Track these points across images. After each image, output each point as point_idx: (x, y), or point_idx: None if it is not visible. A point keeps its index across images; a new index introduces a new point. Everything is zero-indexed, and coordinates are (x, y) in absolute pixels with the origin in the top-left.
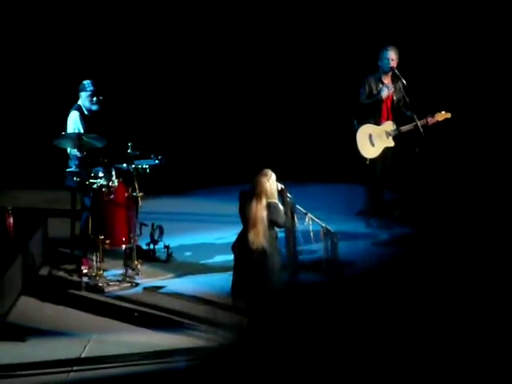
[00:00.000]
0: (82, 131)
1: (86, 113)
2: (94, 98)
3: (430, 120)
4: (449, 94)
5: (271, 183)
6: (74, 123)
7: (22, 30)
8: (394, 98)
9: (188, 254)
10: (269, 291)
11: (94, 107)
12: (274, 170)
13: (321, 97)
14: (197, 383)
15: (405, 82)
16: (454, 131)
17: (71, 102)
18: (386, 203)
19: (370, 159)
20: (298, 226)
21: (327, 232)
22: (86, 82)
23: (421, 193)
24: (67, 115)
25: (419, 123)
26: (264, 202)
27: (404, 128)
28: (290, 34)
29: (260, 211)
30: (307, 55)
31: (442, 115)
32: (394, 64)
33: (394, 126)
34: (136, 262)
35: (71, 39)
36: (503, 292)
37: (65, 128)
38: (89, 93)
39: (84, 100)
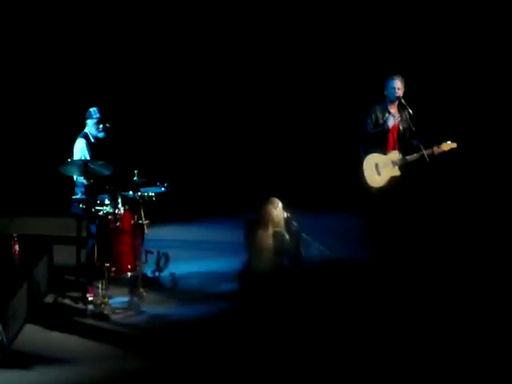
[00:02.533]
0: (88, 159)
1: (92, 140)
2: (101, 126)
3: (436, 150)
4: (455, 123)
5: (278, 211)
6: (80, 151)
7: (28, 55)
8: (400, 127)
9: (193, 282)
10: (273, 318)
11: (101, 134)
12: (280, 199)
13: (327, 126)
14: None
15: (411, 111)
16: (460, 161)
17: (78, 129)
18: (392, 233)
19: (376, 189)
20: (304, 254)
21: (332, 260)
22: (93, 110)
23: (427, 222)
24: (73, 142)
25: (425, 153)
26: (270, 230)
27: (410, 157)
28: (296, 65)
29: (266, 239)
30: (315, 84)
31: (448, 145)
32: (400, 93)
33: (400, 156)
34: (141, 290)
35: (78, 66)
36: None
37: (71, 155)
38: (95, 120)
39: (90, 127)
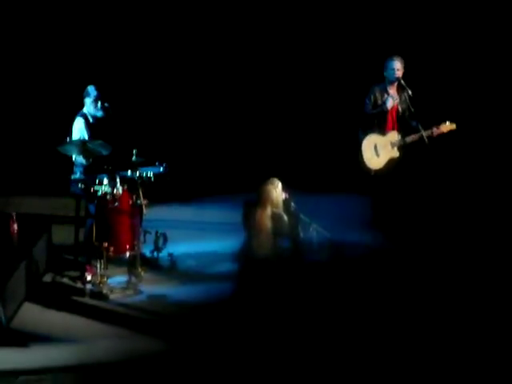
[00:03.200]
0: (86, 138)
1: (90, 120)
2: (99, 104)
3: (435, 131)
4: (454, 104)
5: (277, 192)
6: (78, 130)
7: (27, 35)
8: (399, 108)
9: (191, 262)
10: (272, 299)
11: (99, 113)
12: (279, 180)
13: (326, 107)
14: None
15: (410, 92)
16: (459, 142)
17: (77, 108)
18: (391, 214)
19: (375, 170)
20: (303, 235)
21: (331, 243)
22: (90, 88)
23: (426, 204)
24: (72, 122)
25: (424, 134)
26: (269, 210)
27: (409, 138)
28: (296, 47)
29: (265, 220)
30: (314, 65)
31: (447, 126)
32: (399, 74)
33: (399, 137)
34: (140, 270)
35: (77, 45)
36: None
37: (70, 135)
38: (93, 98)
39: (89, 106)
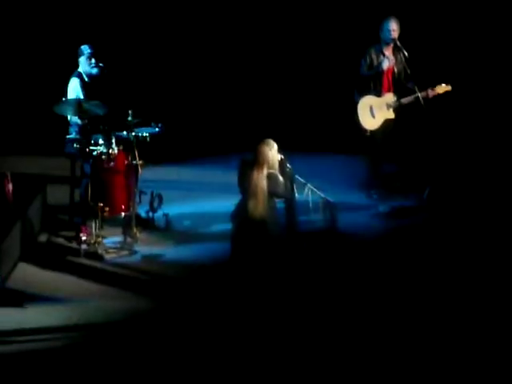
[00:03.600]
0: (82, 97)
1: (86, 79)
2: (93, 61)
3: (431, 92)
4: (450, 66)
5: (273, 153)
6: (74, 90)
7: None
8: (395, 69)
9: (187, 222)
10: (267, 260)
11: (94, 71)
12: (274, 140)
13: (322, 67)
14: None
15: (406, 53)
16: (454, 103)
17: (72, 68)
18: (386, 175)
19: (371, 131)
20: (298, 196)
21: (326, 202)
22: (83, 46)
23: (421, 165)
24: (68, 82)
25: (420, 95)
26: (265, 171)
27: (405, 100)
28: (292, 8)
29: (261, 181)
30: (310, 25)
31: (443, 88)
32: (395, 35)
33: (395, 98)
34: (135, 230)
35: (73, 5)
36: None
37: (65, 95)
38: (87, 55)
39: (83, 65)
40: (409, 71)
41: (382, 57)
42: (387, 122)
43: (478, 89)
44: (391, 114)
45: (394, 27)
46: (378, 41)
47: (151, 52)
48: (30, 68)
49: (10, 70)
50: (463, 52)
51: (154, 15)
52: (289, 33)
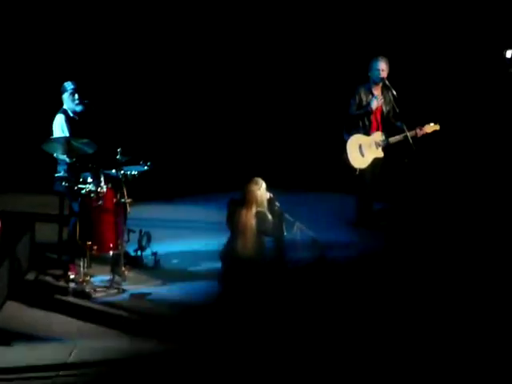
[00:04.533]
0: (67, 134)
1: (71, 115)
2: (76, 96)
3: (419, 132)
4: (438, 105)
5: (262, 192)
6: (59, 126)
7: (10, 35)
8: (384, 108)
9: (175, 261)
10: (255, 298)
11: (78, 108)
12: (263, 179)
13: (311, 107)
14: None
15: (395, 92)
16: (442, 142)
17: (58, 106)
18: (374, 213)
19: (360, 169)
20: (287, 234)
21: (315, 241)
22: (66, 83)
23: (409, 203)
24: (53, 119)
25: (409, 134)
26: (254, 210)
27: (393, 139)
28: (281, 47)
29: (249, 219)
30: (299, 65)
31: (431, 127)
32: (384, 74)
33: (383, 137)
34: (123, 269)
35: (59, 44)
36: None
37: (51, 132)
38: (70, 91)
39: (67, 101)
40: (397, 110)
41: (370, 96)
42: (376, 160)
43: (466, 128)
44: (380, 153)
45: (382, 67)
46: (366, 80)
47: (140, 91)
48: (17, 106)
49: None
50: (451, 91)
51: (142, 54)
52: (277, 72)
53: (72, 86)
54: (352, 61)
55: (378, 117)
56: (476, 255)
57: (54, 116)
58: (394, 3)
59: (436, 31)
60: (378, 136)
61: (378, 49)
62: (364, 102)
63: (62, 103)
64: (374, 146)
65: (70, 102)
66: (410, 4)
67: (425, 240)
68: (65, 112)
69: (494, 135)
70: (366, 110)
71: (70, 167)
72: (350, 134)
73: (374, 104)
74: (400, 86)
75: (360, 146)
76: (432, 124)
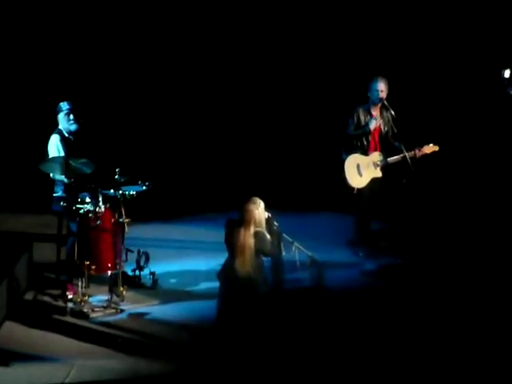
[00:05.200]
0: (62, 154)
1: (66, 135)
2: (71, 117)
3: (418, 152)
4: (437, 126)
5: (260, 211)
6: (54, 147)
7: (5, 53)
8: (382, 129)
9: (174, 280)
10: (254, 319)
11: (73, 127)
12: (261, 199)
13: (309, 127)
14: None
15: (393, 113)
16: (441, 163)
17: (54, 126)
18: (373, 233)
19: (358, 189)
20: (285, 254)
21: (313, 261)
22: (62, 103)
23: (408, 223)
24: (48, 140)
25: (408, 155)
26: (252, 230)
27: (391, 159)
28: (281, 66)
29: (248, 239)
30: (297, 86)
31: (430, 148)
32: (383, 95)
33: (381, 157)
34: (121, 289)
35: (54, 63)
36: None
37: (46, 153)
38: (65, 111)
39: (62, 121)
40: (396, 130)
41: (369, 116)
42: (374, 180)
43: (465, 148)
44: (378, 173)
45: (382, 88)
46: (365, 100)
47: (139, 111)
48: (15, 126)
49: None
50: (450, 111)
51: (138, 72)
52: (275, 92)
53: (68, 107)
54: (350, 81)
55: (376, 137)
56: (475, 270)
57: (50, 135)
58: (393, 23)
59: (434, 52)
60: (376, 156)
61: (377, 69)
62: (362, 122)
63: (57, 124)
64: (372, 166)
65: (65, 122)
66: (408, 25)
67: (425, 259)
68: (60, 132)
69: (492, 155)
70: (364, 131)
71: (68, 187)
72: (348, 153)
73: (373, 125)
74: (399, 106)
75: (358, 166)
76: (431, 145)
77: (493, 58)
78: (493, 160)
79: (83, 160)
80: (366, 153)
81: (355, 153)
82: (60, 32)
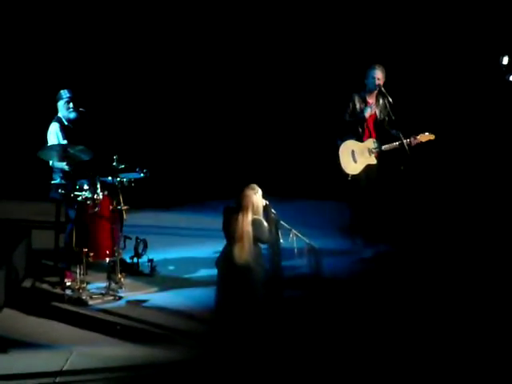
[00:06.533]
0: (62, 142)
1: (65, 123)
2: (71, 105)
3: (413, 141)
4: (434, 113)
5: (258, 197)
6: (54, 134)
7: (5, 42)
8: (378, 116)
9: (172, 268)
10: (252, 306)
11: (72, 115)
12: (259, 187)
13: (304, 113)
14: None
15: (391, 100)
16: (439, 150)
17: (53, 114)
18: (371, 221)
19: (353, 175)
20: (283, 242)
21: (311, 248)
22: (62, 91)
23: (406, 211)
24: (47, 128)
25: (405, 142)
26: (250, 216)
27: (386, 146)
28: (276, 54)
29: (246, 226)
30: (294, 73)
31: (426, 136)
32: (379, 83)
33: (376, 144)
34: (119, 276)
35: (55, 51)
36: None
37: (46, 141)
38: (65, 99)
39: (61, 109)
40: (393, 118)
41: (364, 105)
42: (369, 167)
43: (462, 136)
44: (373, 160)
45: (378, 75)
46: (362, 87)
47: (138, 98)
48: (13, 114)
49: None
50: (447, 99)
51: (139, 59)
52: (272, 81)
53: (68, 95)
54: (346, 68)
55: (371, 124)
56: (473, 256)
57: (50, 123)
58: (391, 10)
59: (432, 38)
60: (370, 143)
61: (375, 56)
62: (358, 110)
63: (56, 111)
64: (366, 153)
65: (64, 110)
66: (406, 12)
67: (422, 246)
68: (59, 120)
69: (491, 142)
70: (359, 118)
71: (66, 174)
72: (343, 140)
73: (368, 112)
74: (396, 93)
75: (353, 152)
76: (427, 133)
77: (491, 44)
78: (491, 148)
79: (81, 147)
80: (360, 140)
81: (350, 139)
82: (61, 20)
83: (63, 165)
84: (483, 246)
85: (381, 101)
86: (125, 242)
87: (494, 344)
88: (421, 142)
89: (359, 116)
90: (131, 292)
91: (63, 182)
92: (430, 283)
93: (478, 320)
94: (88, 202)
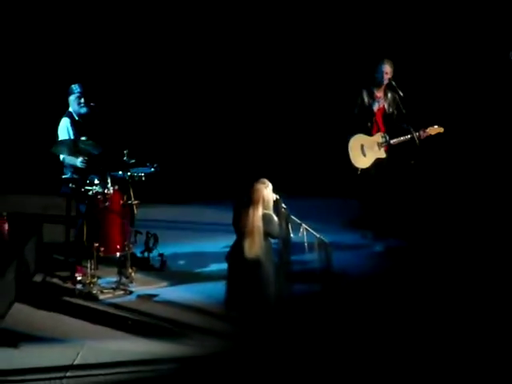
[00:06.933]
0: (72, 137)
1: (76, 118)
2: (82, 100)
3: (423, 134)
4: (443, 107)
5: (268, 191)
6: (64, 129)
7: (16, 36)
8: (387, 110)
9: (182, 262)
10: (262, 301)
11: (83, 110)
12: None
13: (314, 109)
14: None
15: (401, 93)
16: (449, 143)
17: (65, 109)
18: (381, 215)
19: (362, 169)
20: (293, 236)
21: (322, 243)
22: (74, 86)
23: (417, 205)
24: (59, 123)
25: (415, 135)
26: (260, 210)
27: (395, 140)
28: (283, 49)
29: (256, 221)
30: (302, 68)
31: (435, 129)
32: (387, 77)
33: (384, 138)
34: (130, 270)
35: (66, 46)
36: (497, 305)
37: (56, 136)
38: (76, 95)
39: (72, 104)
40: (404, 111)
41: (373, 98)
42: (379, 161)
43: (471, 130)
44: (382, 154)
45: (387, 70)
46: (371, 81)
47: (148, 93)
48: (24, 108)
49: (5, 109)
50: (456, 93)
51: (149, 56)
52: (280, 76)
53: (79, 89)
54: (355, 63)
55: (380, 119)
56: (484, 249)
57: (60, 119)
58: (400, 5)
59: (441, 33)
60: (378, 137)
61: (383, 51)
62: (366, 104)
63: (68, 105)
64: (376, 147)
65: (75, 105)
66: (415, 6)
67: (432, 241)
68: (70, 115)
69: (499, 135)
70: (368, 112)
71: (77, 169)
72: (352, 133)
73: (376, 106)
74: (405, 86)
75: (362, 146)
76: (436, 126)
77: (500, 38)
78: (500, 141)
79: (90, 142)
80: (369, 134)
81: (359, 133)
82: (71, 14)
83: (75, 161)
84: (494, 240)
85: (389, 95)
86: (135, 236)
87: (500, 340)
88: (430, 134)
89: (367, 110)
90: (142, 286)
91: (74, 176)
92: (441, 278)
93: (487, 317)
94: (99, 197)
